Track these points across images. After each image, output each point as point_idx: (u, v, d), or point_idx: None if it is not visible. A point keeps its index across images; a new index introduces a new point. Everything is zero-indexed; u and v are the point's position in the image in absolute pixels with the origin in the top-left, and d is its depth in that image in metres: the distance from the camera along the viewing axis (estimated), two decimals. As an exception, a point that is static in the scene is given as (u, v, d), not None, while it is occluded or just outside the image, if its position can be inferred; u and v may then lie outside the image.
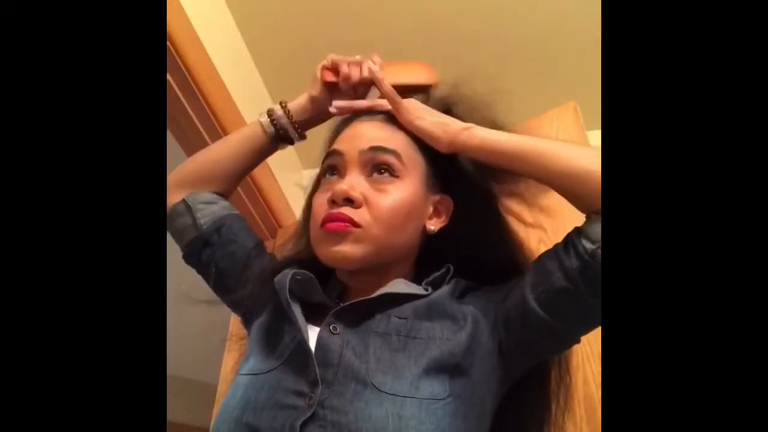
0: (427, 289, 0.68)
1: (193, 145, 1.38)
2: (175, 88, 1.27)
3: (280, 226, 1.66)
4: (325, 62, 0.80)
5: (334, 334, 0.62)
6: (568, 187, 0.64)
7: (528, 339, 0.65)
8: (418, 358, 0.60)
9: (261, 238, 0.83)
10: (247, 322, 0.79)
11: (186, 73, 1.25)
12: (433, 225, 0.72)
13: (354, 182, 0.68)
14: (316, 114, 0.83)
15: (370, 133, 0.72)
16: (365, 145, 0.70)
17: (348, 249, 0.65)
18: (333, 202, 0.67)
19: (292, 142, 0.85)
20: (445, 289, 0.69)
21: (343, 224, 0.65)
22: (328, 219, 0.66)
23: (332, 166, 0.72)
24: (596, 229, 0.60)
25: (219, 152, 0.85)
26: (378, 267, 0.69)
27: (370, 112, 0.76)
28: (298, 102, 0.83)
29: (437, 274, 0.71)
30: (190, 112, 1.33)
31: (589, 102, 1.20)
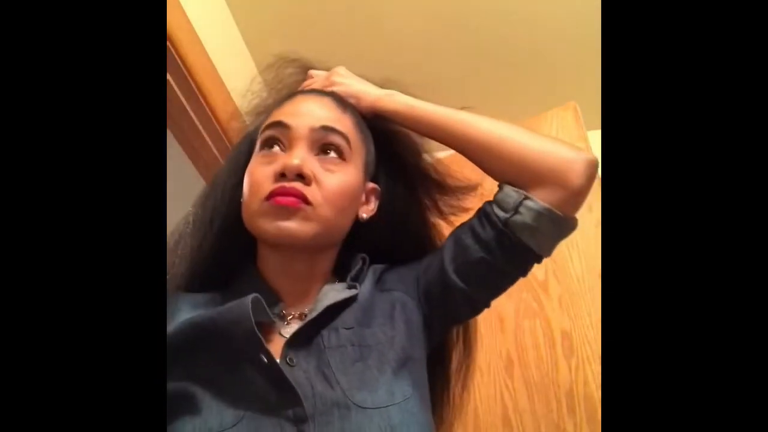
0: (354, 287, 0.68)
1: (193, 144, 1.38)
2: (175, 88, 1.27)
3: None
4: None
5: (292, 366, 0.58)
6: (482, 155, 0.68)
7: (448, 308, 0.69)
8: (380, 365, 0.60)
9: None
10: None
11: (186, 73, 1.25)
12: (365, 213, 0.72)
13: (304, 158, 0.65)
14: None
15: (319, 112, 0.69)
16: (316, 124, 0.67)
17: (297, 226, 0.62)
18: (282, 176, 0.63)
19: None
20: (366, 283, 0.69)
21: (295, 199, 0.62)
22: (279, 192, 0.62)
23: (275, 138, 0.68)
24: (508, 198, 0.64)
25: None
26: (313, 251, 0.68)
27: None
28: None
29: (357, 268, 0.71)
30: (190, 112, 1.33)
31: (589, 102, 1.20)
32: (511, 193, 0.64)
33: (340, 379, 0.57)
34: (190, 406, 0.56)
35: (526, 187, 0.64)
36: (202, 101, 1.31)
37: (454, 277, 0.66)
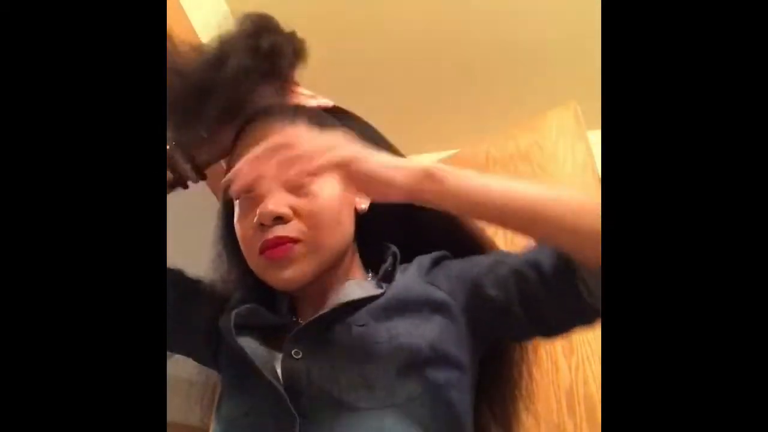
0: (381, 286, 0.67)
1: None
2: (176, 88, 1.27)
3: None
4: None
5: (296, 359, 0.60)
6: (527, 227, 0.57)
7: (503, 324, 0.65)
8: (387, 363, 0.59)
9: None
10: (213, 359, 0.74)
11: (186, 73, 1.25)
12: (364, 203, 0.71)
13: (276, 198, 0.63)
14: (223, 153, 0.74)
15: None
16: None
17: (298, 268, 0.63)
18: (262, 225, 0.63)
19: (186, 187, 0.75)
20: (405, 278, 0.67)
21: (283, 247, 0.62)
22: (267, 246, 0.63)
23: None
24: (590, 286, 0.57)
25: None
26: (324, 271, 0.67)
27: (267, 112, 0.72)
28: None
29: (385, 265, 0.69)
30: (190, 112, 1.32)
31: (589, 102, 1.20)
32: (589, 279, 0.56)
33: (341, 379, 0.57)
34: (222, 390, 0.68)
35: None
36: (202, 101, 1.31)
37: (518, 309, 0.62)
